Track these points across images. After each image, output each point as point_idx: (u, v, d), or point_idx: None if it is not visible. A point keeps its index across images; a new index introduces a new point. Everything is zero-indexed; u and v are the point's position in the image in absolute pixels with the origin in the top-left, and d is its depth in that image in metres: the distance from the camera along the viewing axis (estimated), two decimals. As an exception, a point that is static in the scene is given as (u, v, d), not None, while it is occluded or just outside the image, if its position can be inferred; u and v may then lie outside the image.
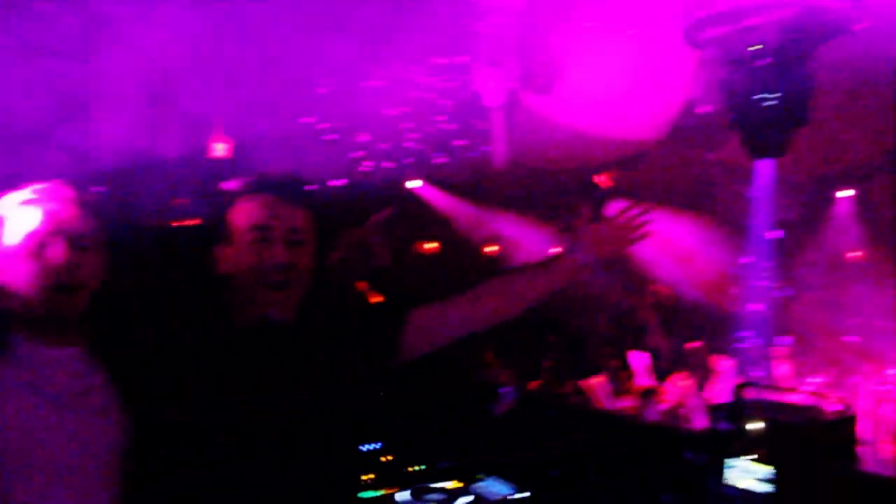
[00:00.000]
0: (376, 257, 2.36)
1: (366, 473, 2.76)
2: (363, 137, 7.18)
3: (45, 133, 4.66)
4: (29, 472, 1.56)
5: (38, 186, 1.67)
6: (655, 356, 6.71)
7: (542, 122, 7.04)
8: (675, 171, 8.57)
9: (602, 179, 9.69)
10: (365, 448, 2.92)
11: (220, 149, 7.22)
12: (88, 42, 4.82)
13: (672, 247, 9.11)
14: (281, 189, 1.79)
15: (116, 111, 5.17)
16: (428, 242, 10.60)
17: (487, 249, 10.84)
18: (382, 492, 2.73)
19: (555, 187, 9.51)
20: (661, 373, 6.52)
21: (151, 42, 4.96)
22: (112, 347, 1.72)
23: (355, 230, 2.34)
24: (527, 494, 2.68)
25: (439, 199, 10.62)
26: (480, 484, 2.77)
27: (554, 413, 3.07)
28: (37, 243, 1.60)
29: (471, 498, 2.63)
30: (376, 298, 2.50)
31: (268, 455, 1.73)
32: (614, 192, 9.30)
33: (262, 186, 1.78)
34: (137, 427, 1.69)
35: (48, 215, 1.63)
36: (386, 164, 7.76)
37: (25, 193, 1.66)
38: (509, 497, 2.65)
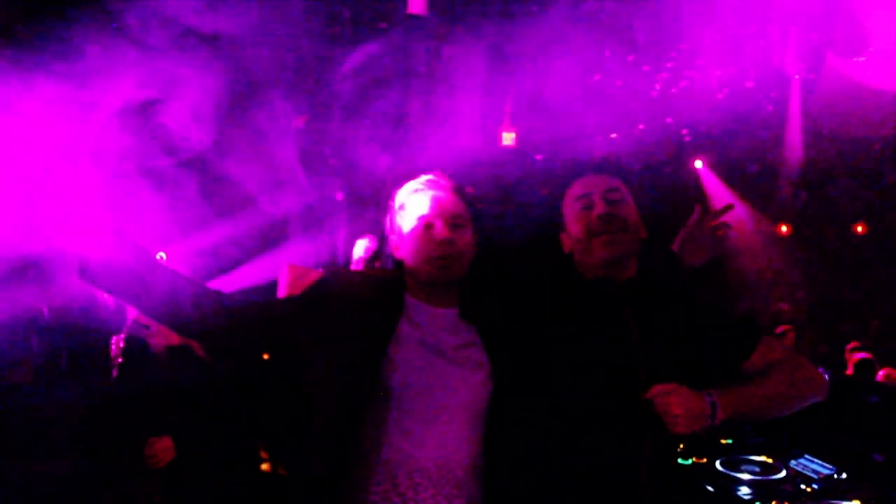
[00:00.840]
0: (716, 248, 2.46)
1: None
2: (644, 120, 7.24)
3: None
4: (412, 409, 1.90)
5: (424, 178, 2.08)
6: None
7: (851, 88, 6.47)
8: None
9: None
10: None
11: (508, 138, 7.68)
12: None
13: None
14: (597, 167, 2.11)
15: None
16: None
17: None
18: (692, 460, 2.86)
19: (863, 156, 8.67)
20: None
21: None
22: (483, 308, 2.08)
23: (707, 216, 2.46)
24: (845, 476, 2.63)
25: (716, 182, 10.23)
26: (795, 461, 2.78)
27: (876, 398, 2.93)
28: (424, 224, 2.01)
29: (784, 473, 2.65)
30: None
31: (604, 412, 1.92)
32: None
33: (581, 169, 2.12)
34: (502, 378, 1.99)
35: (433, 201, 2.02)
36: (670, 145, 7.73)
37: (415, 184, 2.08)
38: (835, 477, 2.63)
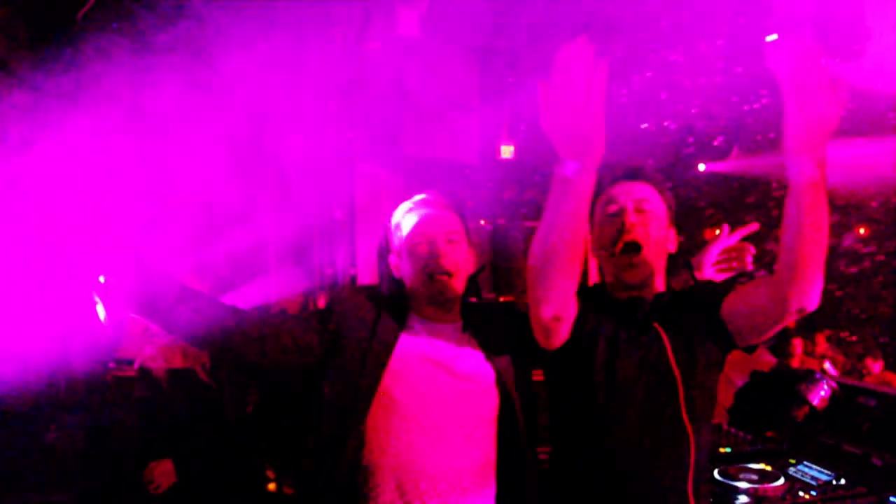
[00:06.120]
0: (739, 268, 2.49)
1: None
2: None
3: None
4: (416, 420, 1.95)
5: (418, 196, 2.13)
6: None
7: (848, 92, 6.46)
8: None
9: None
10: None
11: (507, 151, 7.71)
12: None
13: None
14: (631, 174, 2.07)
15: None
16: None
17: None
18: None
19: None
20: None
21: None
22: (485, 321, 2.11)
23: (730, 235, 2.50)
24: (843, 482, 2.62)
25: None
26: (794, 468, 2.77)
27: (875, 402, 2.92)
28: (417, 241, 2.04)
29: (782, 481, 2.63)
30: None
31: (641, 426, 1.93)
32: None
33: (613, 178, 2.07)
34: (508, 389, 2.02)
35: (425, 218, 2.07)
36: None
37: (410, 203, 2.12)
38: (833, 483, 2.62)
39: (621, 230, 1.97)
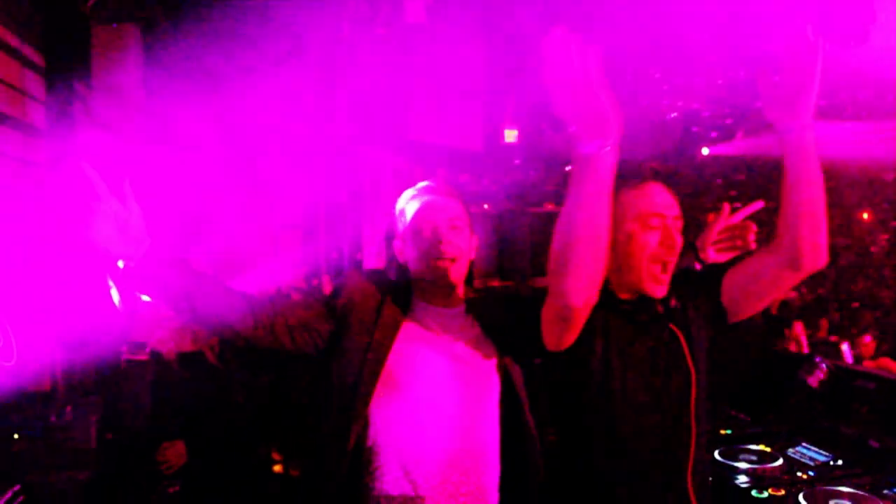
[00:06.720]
0: (744, 247, 2.46)
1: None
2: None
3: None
4: (420, 401, 2.00)
5: (422, 183, 2.18)
6: None
7: (849, 76, 6.47)
8: None
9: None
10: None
11: (510, 136, 7.74)
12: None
13: None
14: (662, 178, 2.02)
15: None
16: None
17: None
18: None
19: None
20: None
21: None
22: (489, 305, 2.15)
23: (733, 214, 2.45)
24: (840, 462, 2.69)
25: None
26: (792, 449, 2.83)
27: (873, 385, 2.98)
28: (421, 227, 2.09)
29: (781, 461, 2.70)
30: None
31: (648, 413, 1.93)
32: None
33: (646, 175, 2.01)
34: (508, 378, 2.08)
35: (429, 204, 2.12)
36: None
37: (414, 190, 2.18)
38: (831, 464, 2.68)
39: (668, 249, 1.93)
